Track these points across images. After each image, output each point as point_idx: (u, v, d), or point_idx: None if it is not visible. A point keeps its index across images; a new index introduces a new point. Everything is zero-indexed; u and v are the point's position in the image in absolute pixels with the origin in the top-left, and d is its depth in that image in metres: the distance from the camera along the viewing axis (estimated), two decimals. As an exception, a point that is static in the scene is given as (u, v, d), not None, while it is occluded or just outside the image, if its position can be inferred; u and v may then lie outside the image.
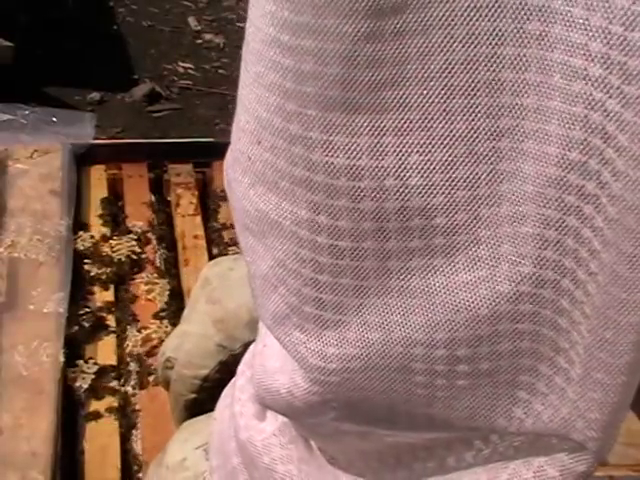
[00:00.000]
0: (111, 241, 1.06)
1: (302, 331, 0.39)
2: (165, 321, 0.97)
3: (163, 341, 0.93)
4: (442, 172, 0.33)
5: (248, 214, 0.38)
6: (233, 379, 0.55)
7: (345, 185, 0.34)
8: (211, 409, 0.59)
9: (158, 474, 0.70)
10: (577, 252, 0.33)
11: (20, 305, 0.94)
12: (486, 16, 0.30)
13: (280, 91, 0.34)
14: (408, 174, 0.33)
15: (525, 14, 0.30)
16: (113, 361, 0.92)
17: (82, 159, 1.16)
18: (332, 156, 0.34)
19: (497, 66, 0.31)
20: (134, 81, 1.79)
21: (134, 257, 1.04)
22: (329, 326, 0.38)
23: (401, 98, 0.32)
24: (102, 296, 0.99)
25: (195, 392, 0.75)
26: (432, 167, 0.33)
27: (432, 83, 0.31)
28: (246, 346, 0.53)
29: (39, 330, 0.91)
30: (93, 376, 0.89)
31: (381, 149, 0.33)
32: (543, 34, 0.30)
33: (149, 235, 1.08)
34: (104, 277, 1.01)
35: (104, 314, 0.96)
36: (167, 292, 1.00)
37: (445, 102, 0.32)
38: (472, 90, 0.31)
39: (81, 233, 1.06)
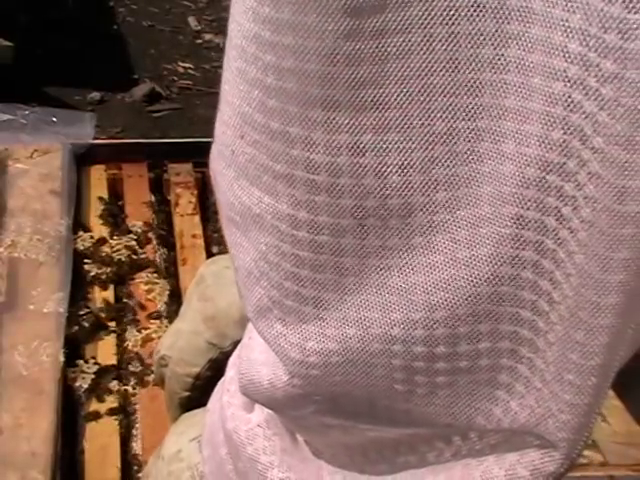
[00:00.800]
0: (111, 241, 1.06)
1: (283, 324, 0.39)
2: (165, 321, 0.97)
3: (163, 341, 0.93)
4: (421, 172, 0.33)
5: (232, 207, 0.39)
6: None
7: (325, 181, 0.34)
8: (205, 406, 0.59)
9: (155, 465, 0.71)
10: (555, 253, 0.34)
11: (20, 305, 0.94)
12: (465, 16, 0.30)
13: (261, 87, 0.34)
14: (387, 173, 0.33)
15: (505, 15, 0.30)
16: (113, 361, 0.92)
17: (82, 159, 1.16)
18: (312, 152, 0.34)
19: (477, 66, 0.31)
20: (134, 81, 1.79)
21: (134, 257, 1.04)
22: (309, 320, 0.38)
23: (380, 97, 0.32)
24: (102, 296, 0.99)
25: (188, 390, 0.75)
26: (411, 166, 0.33)
27: (412, 82, 0.31)
28: (236, 344, 0.53)
29: (39, 330, 0.91)
30: (93, 376, 0.89)
31: (360, 147, 0.33)
32: (523, 35, 0.30)
33: (149, 235, 1.08)
34: (104, 277, 1.01)
35: (104, 314, 0.96)
36: (167, 292, 1.00)
37: (425, 102, 0.32)
38: (452, 90, 0.32)
39: (81, 233, 1.06)
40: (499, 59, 0.31)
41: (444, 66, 0.31)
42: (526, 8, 0.30)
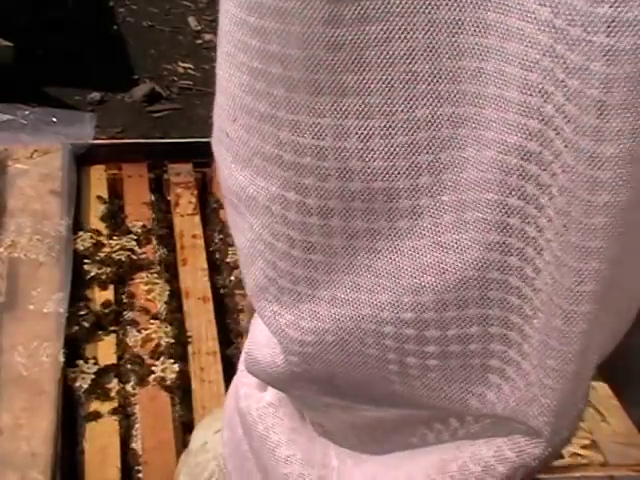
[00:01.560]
0: (111, 241, 1.06)
1: (279, 303, 0.40)
2: (165, 321, 0.97)
3: (163, 341, 0.93)
4: (405, 157, 0.34)
5: (230, 189, 0.40)
6: None
7: (311, 164, 0.35)
8: None
9: (184, 461, 0.71)
10: (536, 241, 0.34)
11: (20, 305, 0.94)
12: (446, 5, 0.31)
13: (249, 71, 0.35)
14: (371, 157, 0.34)
15: (484, 4, 0.31)
16: (113, 361, 0.92)
17: (82, 159, 1.16)
18: (298, 135, 0.35)
19: (457, 54, 0.32)
20: (134, 81, 1.79)
21: (134, 257, 1.04)
22: (303, 300, 0.39)
23: (362, 82, 0.33)
24: (102, 296, 0.99)
25: None
26: (394, 151, 0.34)
27: (393, 69, 0.32)
28: None
29: (39, 330, 0.91)
30: (93, 376, 0.89)
31: (344, 131, 0.34)
32: (500, 24, 0.31)
33: (149, 235, 1.08)
34: (104, 277, 1.01)
35: (104, 314, 0.96)
36: (167, 292, 1.00)
37: (406, 88, 0.33)
38: (433, 77, 0.32)
39: (81, 233, 1.06)
40: (479, 47, 0.32)
41: (424, 53, 0.32)
42: None
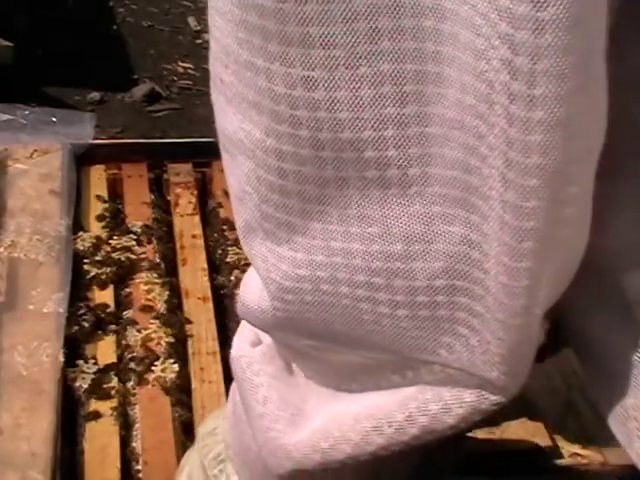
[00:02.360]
0: (111, 241, 1.06)
1: (264, 246, 0.43)
2: (165, 321, 0.97)
3: (163, 341, 0.93)
4: (370, 109, 0.36)
5: (223, 133, 0.42)
6: None
7: (285, 112, 0.37)
8: None
9: (192, 447, 0.72)
10: (486, 199, 0.36)
11: (20, 305, 0.94)
12: None
13: (232, 19, 0.37)
14: (338, 108, 0.36)
15: None
16: (113, 361, 0.92)
17: (82, 159, 1.15)
18: (273, 83, 0.36)
19: (418, 13, 0.33)
20: (134, 81, 1.79)
21: (134, 257, 1.04)
22: (283, 243, 0.42)
23: (327, 36, 0.34)
24: (102, 296, 0.99)
25: None
26: (360, 103, 0.36)
27: (357, 24, 0.34)
28: None
29: (39, 330, 0.91)
30: (93, 376, 0.89)
31: (312, 82, 0.36)
32: None
33: (149, 235, 1.08)
34: (104, 277, 1.00)
35: (104, 314, 0.96)
36: (167, 292, 1.00)
37: (370, 43, 0.34)
38: (397, 34, 0.34)
39: (81, 233, 1.06)
40: (437, 9, 0.33)
41: (388, 10, 0.33)
42: None
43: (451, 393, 0.45)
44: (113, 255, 1.03)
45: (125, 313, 0.98)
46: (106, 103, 1.72)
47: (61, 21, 1.89)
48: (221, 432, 0.67)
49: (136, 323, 0.96)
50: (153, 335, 0.95)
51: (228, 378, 0.91)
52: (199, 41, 1.91)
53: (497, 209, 0.36)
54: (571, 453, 0.82)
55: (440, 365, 0.44)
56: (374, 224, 0.39)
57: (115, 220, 1.10)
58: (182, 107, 1.75)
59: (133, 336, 0.95)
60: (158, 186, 1.17)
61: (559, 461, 0.81)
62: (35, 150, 1.14)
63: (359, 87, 0.35)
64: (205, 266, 1.04)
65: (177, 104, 1.76)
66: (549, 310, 0.42)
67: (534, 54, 0.31)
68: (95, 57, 1.81)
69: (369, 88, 0.35)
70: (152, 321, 0.96)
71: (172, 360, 0.92)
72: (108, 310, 0.97)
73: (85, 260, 1.03)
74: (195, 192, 1.14)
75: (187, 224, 1.09)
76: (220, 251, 1.07)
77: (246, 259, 1.03)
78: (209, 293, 1.00)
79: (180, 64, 1.86)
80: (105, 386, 0.89)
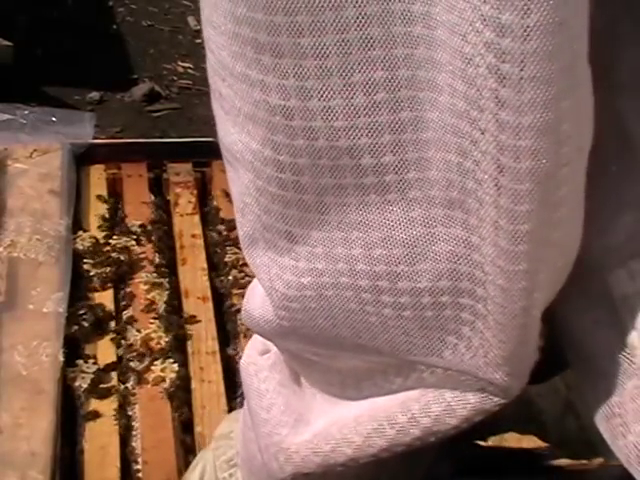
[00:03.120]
0: (110, 241, 1.06)
1: (266, 256, 0.43)
2: (164, 321, 0.97)
3: (162, 341, 0.93)
4: (366, 115, 0.36)
5: (223, 145, 0.42)
6: None
7: (281, 123, 0.37)
8: None
9: (204, 449, 0.72)
10: (480, 202, 0.37)
11: (20, 305, 0.94)
12: None
13: (225, 32, 0.37)
14: (332, 116, 0.36)
15: None
16: (113, 360, 0.92)
17: (81, 159, 1.15)
18: (267, 95, 0.37)
19: (408, 21, 0.34)
20: (133, 81, 1.79)
21: (133, 257, 1.04)
22: (284, 253, 0.42)
23: (319, 46, 0.35)
24: (102, 296, 0.99)
25: None
26: (356, 110, 0.36)
27: (348, 34, 0.34)
28: None
29: (39, 330, 0.91)
30: (93, 376, 0.89)
31: (306, 92, 0.36)
32: None
33: (149, 235, 1.08)
34: (103, 277, 1.01)
35: (103, 314, 0.96)
36: (167, 292, 1.00)
37: (363, 51, 0.34)
38: (389, 42, 0.34)
39: (80, 233, 1.06)
40: (427, 16, 0.33)
41: (378, 18, 0.34)
42: None
43: (454, 394, 0.45)
44: (113, 255, 1.03)
45: (125, 313, 0.98)
46: (106, 103, 1.72)
47: (61, 21, 1.89)
48: (235, 436, 0.67)
49: (136, 322, 0.96)
50: (153, 335, 0.95)
51: (228, 378, 0.91)
52: (199, 41, 1.91)
53: (491, 213, 0.36)
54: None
55: (443, 368, 0.44)
56: (375, 229, 0.39)
57: (115, 220, 1.10)
58: (182, 107, 1.75)
59: (133, 336, 0.95)
60: (158, 186, 1.17)
61: (559, 461, 0.81)
62: (35, 150, 1.14)
63: (353, 95, 0.35)
64: (205, 266, 1.04)
65: (177, 104, 1.76)
66: (544, 317, 0.42)
67: (520, 60, 0.32)
68: (95, 57, 1.81)
69: (363, 95, 0.35)
70: (152, 321, 0.96)
71: (172, 360, 0.92)
72: (108, 310, 0.97)
73: (85, 260, 1.03)
74: (195, 192, 1.14)
75: (187, 224, 1.09)
76: (219, 251, 1.07)
77: (245, 259, 1.03)
78: (209, 293, 1.01)
79: (180, 64, 1.86)
80: (105, 386, 0.89)
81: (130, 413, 0.87)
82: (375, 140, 0.36)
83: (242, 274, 1.03)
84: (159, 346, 0.93)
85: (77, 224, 1.08)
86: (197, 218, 1.10)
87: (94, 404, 0.87)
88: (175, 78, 1.82)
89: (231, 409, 0.87)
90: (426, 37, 0.34)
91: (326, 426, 0.50)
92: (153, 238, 1.07)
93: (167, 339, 0.94)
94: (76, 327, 0.94)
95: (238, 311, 0.99)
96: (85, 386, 0.88)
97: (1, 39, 1.63)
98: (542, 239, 0.37)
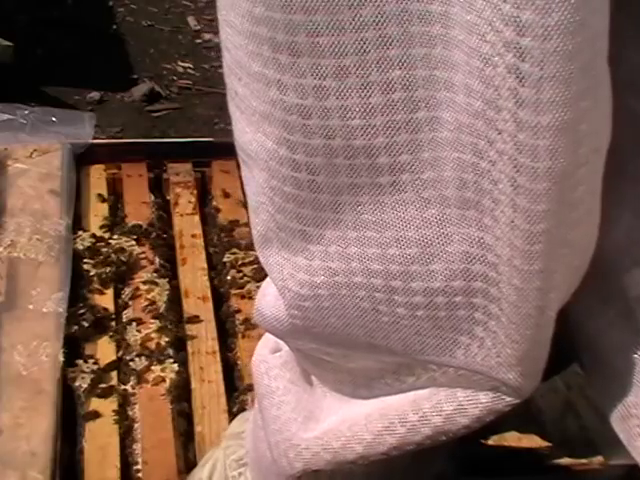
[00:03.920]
0: (110, 240, 1.06)
1: (280, 255, 0.43)
2: (164, 320, 0.97)
3: (162, 341, 0.93)
4: (382, 115, 0.36)
5: (240, 145, 0.42)
6: None
7: (297, 122, 0.37)
8: None
9: (215, 447, 0.72)
10: (495, 202, 0.37)
11: (19, 305, 0.94)
12: None
13: (242, 32, 0.37)
14: (349, 115, 0.36)
15: None
16: (113, 360, 0.92)
17: (81, 159, 1.15)
18: (284, 94, 0.37)
19: (426, 20, 0.34)
20: (133, 81, 1.79)
21: (133, 257, 1.04)
22: (298, 252, 0.42)
23: (336, 45, 0.35)
24: (101, 296, 0.99)
25: None
26: (372, 110, 0.36)
27: (366, 33, 0.34)
28: None
29: (38, 330, 0.91)
30: (93, 375, 0.89)
31: (323, 91, 0.36)
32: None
33: (148, 234, 1.07)
34: (103, 277, 1.00)
35: (103, 314, 0.96)
36: (167, 292, 1.00)
37: (380, 51, 0.34)
38: (406, 41, 0.34)
39: (80, 233, 1.06)
40: (444, 15, 0.33)
41: (396, 18, 0.34)
42: None
43: (465, 394, 0.45)
44: (113, 255, 1.03)
45: (125, 313, 0.98)
46: (106, 103, 1.72)
47: (61, 21, 1.89)
48: (246, 436, 0.67)
49: (136, 323, 0.96)
50: (153, 335, 0.95)
51: (228, 378, 0.91)
52: (199, 41, 1.91)
53: (508, 213, 0.36)
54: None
55: (455, 368, 0.44)
56: (390, 228, 0.39)
57: (115, 220, 1.10)
58: (182, 107, 1.75)
59: (133, 336, 0.95)
60: (158, 186, 1.17)
61: (559, 461, 0.81)
62: (35, 150, 1.14)
63: (370, 94, 0.35)
64: (205, 265, 1.04)
65: (177, 104, 1.76)
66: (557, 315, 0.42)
67: (540, 60, 0.32)
68: (95, 57, 1.81)
69: (380, 95, 0.35)
70: (152, 321, 0.96)
71: (172, 360, 0.92)
72: (108, 310, 0.97)
73: (85, 260, 1.03)
74: (195, 192, 1.14)
75: (187, 224, 1.09)
76: (219, 251, 1.07)
77: (244, 259, 1.03)
78: (209, 292, 1.01)
79: (180, 64, 1.86)
80: (105, 386, 0.89)
81: (130, 413, 0.87)
82: (391, 139, 0.36)
83: (240, 274, 1.03)
84: (159, 346, 0.93)
85: (77, 224, 1.07)
86: (197, 218, 1.10)
87: (94, 404, 0.87)
88: (175, 78, 1.82)
89: (231, 409, 0.87)
90: (444, 37, 0.34)
91: (337, 423, 0.50)
92: (153, 238, 1.07)
93: (167, 339, 0.94)
94: (76, 327, 0.94)
95: (238, 311, 0.99)
96: (85, 386, 0.88)
97: (1, 39, 1.63)
98: (558, 239, 0.37)
